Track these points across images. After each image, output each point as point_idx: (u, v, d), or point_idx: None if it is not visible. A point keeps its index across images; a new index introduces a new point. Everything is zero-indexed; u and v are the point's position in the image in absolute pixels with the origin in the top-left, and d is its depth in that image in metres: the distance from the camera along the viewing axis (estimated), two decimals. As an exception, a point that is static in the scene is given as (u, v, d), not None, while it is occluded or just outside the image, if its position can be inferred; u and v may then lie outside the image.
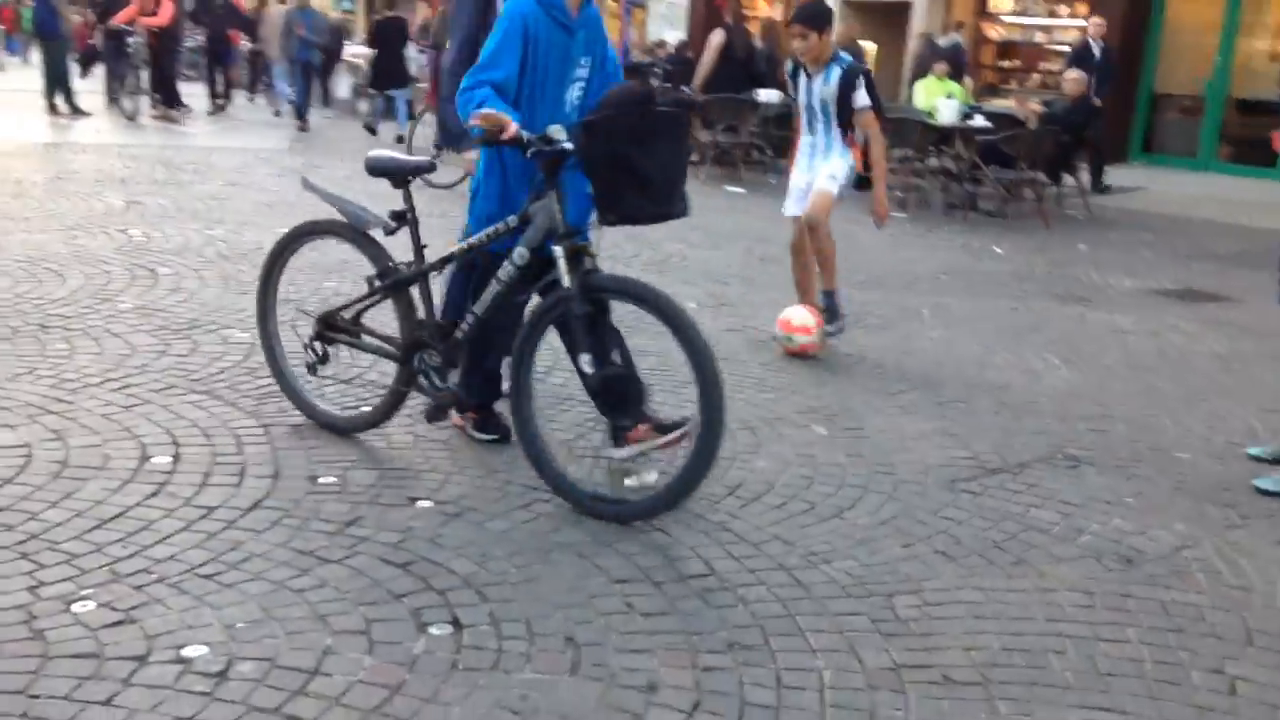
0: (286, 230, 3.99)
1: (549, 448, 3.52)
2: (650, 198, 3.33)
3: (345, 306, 3.92)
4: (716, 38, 12.22)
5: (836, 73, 5.40)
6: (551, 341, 3.73)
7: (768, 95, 12.25)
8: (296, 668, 2.51)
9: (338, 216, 3.81)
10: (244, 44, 18.58)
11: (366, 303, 3.85)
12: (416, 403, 3.91)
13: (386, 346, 3.80)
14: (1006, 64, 17.47)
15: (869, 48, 14.73)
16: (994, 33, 17.44)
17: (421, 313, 3.73)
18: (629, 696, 2.50)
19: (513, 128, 3.30)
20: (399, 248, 3.76)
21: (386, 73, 14.61)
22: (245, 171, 10.32)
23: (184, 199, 8.48)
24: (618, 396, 3.48)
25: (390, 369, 3.92)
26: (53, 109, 13.89)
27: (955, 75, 12.80)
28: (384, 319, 3.95)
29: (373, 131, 14.65)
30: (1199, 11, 14.66)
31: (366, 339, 3.89)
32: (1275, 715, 2.62)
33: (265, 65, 19.07)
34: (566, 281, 3.33)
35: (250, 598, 2.79)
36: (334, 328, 3.91)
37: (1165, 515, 3.74)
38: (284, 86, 17.07)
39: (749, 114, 12.29)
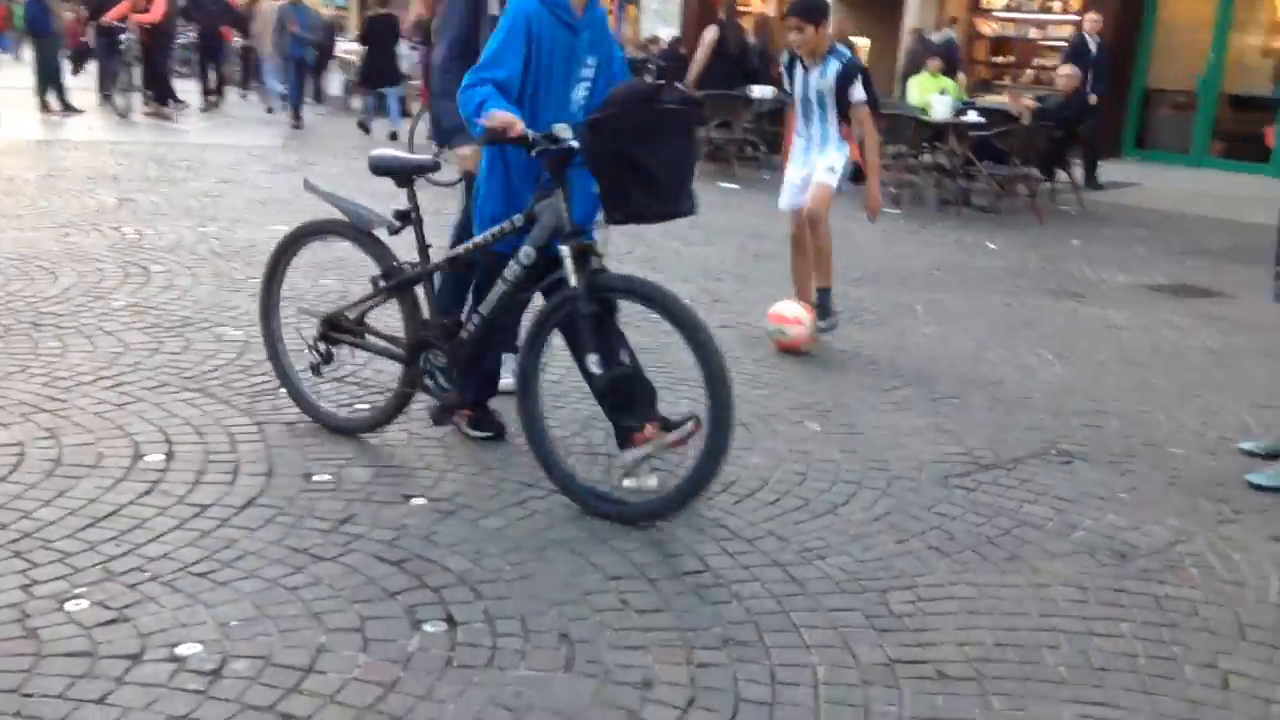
0: (287, 229, 3.98)
1: (557, 449, 3.50)
2: (657, 196, 3.30)
3: (350, 307, 3.90)
4: (710, 33, 12.24)
5: (835, 66, 5.40)
6: (550, 340, 3.72)
7: (761, 91, 12.28)
8: (291, 665, 2.51)
9: (339, 216, 3.80)
10: (236, 40, 18.52)
11: (371, 303, 3.84)
12: (414, 402, 3.90)
13: (391, 347, 3.79)
14: (1000, 60, 17.51)
15: (861, 43, 14.74)
16: (987, 28, 17.47)
17: (426, 313, 3.71)
18: (624, 693, 2.50)
19: (519, 126, 3.26)
20: (399, 247, 3.75)
21: (379, 70, 14.57)
22: (238, 169, 10.30)
23: (177, 196, 8.46)
24: (626, 397, 3.46)
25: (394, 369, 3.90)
26: (45, 106, 13.86)
27: (949, 71, 12.80)
28: (386, 319, 3.94)
29: (366, 130, 14.63)
30: (1192, 7, 14.69)
31: (371, 339, 3.87)
32: (1268, 709, 2.63)
33: (257, 61, 19.03)
34: (573, 281, 3.30)
35: (244, 595, 2.79)
36: (338, 328, 3.89)
37: (1158, 510, 3.75)
38: (274, 83, 17.03)
39: (743, 110, 12.30)
